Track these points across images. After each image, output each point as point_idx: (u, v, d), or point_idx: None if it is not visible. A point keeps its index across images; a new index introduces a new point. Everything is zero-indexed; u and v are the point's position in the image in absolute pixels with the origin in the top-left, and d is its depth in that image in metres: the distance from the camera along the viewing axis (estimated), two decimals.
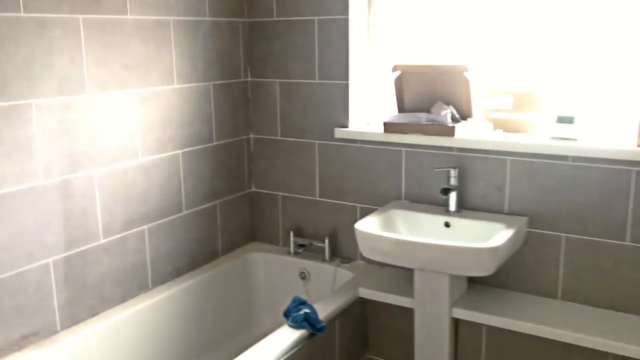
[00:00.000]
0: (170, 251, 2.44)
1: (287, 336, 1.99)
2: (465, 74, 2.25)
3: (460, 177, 2.27)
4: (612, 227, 2.06)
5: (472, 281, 2.28)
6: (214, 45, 2.54)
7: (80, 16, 1.98)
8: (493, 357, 2.16)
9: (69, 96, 1.98)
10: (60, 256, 2.01)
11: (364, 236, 2.13)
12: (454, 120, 2.31)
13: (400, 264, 2.19)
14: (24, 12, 1.82)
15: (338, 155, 2.59)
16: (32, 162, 1.89)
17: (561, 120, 2.12)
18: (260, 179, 2.85)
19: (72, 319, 2.07)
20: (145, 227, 2.31)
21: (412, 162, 2.42)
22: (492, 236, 2.01)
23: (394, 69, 2.40)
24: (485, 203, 2.28)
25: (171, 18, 2.32)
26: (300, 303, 2.12)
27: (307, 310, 2.07)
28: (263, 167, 2.83)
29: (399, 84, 2.43)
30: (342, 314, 2.26)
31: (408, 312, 2.23)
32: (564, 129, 2.11)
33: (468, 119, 2.31)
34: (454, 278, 2.11)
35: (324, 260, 2.65)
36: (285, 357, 1.95)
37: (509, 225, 2.09)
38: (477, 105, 2.31)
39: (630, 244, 2.04)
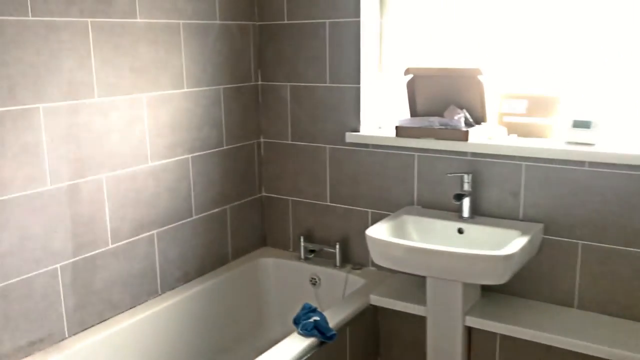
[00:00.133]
0: (180, 256, 2.42)
1: (296, 344, 1.97)
2: (479, 77, 2.22)
3: (474, 183, 2.24)
4: (631, 234, 2.02)
5: (486, 289, 2.24)
6: (224, 48, 2.52)
7: (89, 19, 1.97)
8: None
9: (77, 100, 1.97)
10: (68, 261, 2.00)
11: (375, 242, 2.10)
12: (468, 124, 2.27)
13: (412, 272, 2.16)
14: (31, 15, 1.81)
15: (349, 160, 2.56)
16: (39, 166, 1.88)
17: (577, 124, 2.08)
18: (271, 184, 2.83)
19: (80, 325, 2.06)
20: (154, 232, 2.30)
21: (425, 167, 2.38)
22: (506, 243, 1.98)
23: (406, 72, 2.36)
24: (500, 209, 2.24)
25: (181, 21, 2.30)
26: (310, 310, 2.10)
27: (317, 318, 2.04)
28: (273, 172, 2.80)
29: (412, 87, 2.39)
30: (353, 322, 2.23)
31: (420, 320, 2.20)
32: (581, 134, 2.07)
33: (482, 123, 2.28)
34: (467, 286, 2.08)
35: (334, 266, 2.62)
36: None
37: (523, 232, 2.05)
38: (491, 109, 2.28)
39: None
